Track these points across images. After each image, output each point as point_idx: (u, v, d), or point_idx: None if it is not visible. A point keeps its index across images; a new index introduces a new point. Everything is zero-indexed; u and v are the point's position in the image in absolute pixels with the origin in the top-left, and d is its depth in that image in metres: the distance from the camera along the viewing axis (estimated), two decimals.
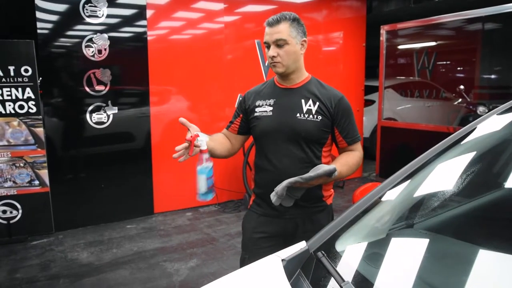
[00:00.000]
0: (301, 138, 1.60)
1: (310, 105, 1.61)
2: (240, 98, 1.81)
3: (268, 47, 1.60)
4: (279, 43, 1.57)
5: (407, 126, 5.27)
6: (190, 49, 4.40)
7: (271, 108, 1.64)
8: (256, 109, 1.67)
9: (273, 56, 1.58)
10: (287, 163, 1.60)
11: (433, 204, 1.19)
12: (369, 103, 6.29)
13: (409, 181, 1.22)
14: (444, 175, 1.26)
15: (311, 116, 1.60)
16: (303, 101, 1.62)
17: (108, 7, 3.83)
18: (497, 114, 1.35)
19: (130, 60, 4.14)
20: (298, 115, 1.60)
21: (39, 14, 3.61)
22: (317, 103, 1.61)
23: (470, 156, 1.30)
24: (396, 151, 5.38)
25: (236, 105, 1.71)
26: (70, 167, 3.97)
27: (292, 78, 1.66)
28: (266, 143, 1.65)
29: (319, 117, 1.60)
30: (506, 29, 4.95)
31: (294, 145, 1.61)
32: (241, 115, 1.74)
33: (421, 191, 1.24)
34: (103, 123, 3.95)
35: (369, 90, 6.26)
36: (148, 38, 4.12)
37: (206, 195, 1.47)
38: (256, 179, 1.72)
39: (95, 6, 3.77)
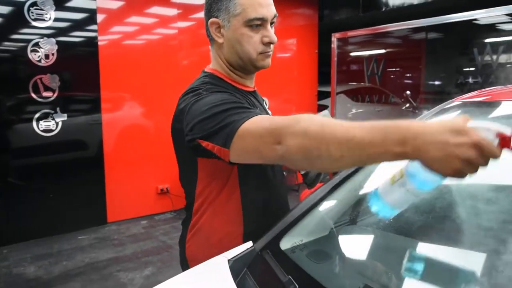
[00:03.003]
0: None
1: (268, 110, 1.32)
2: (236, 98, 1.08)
3: (259, 25, 1.08)
4: (273, 21, 1.12)
5: None
6: (144, 55, 4.34)
7: None
8: None
9: (272, 42, 1.11)
10: (279, 183, 1.27)
11: None
12: (322, 108, 6.47)
13: (352, 179, 1.28)
14: (386, 173, 1.33)
15: None
16: (266, 106, 1.31)
17: (55, 10, 3.70)
18: (435, 114, 1.45)
19: (80, 66, 4.01)
20: None
21: None
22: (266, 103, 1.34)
23: None
24: None
25: (231, 100, 1.00)
26: (15, 177, 3.77)
27: (254, 75, 1.23)
28: (267, 170, 1.21)
29: None
30: (447, 39, 5.27)
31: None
32: None
33: (363, 189, 1.31)
34: (51, 130, 3.79)
35: (323, 95, 6.44)
36: (99, 43, 4.02)
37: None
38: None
39: (42, 9, 3.63)
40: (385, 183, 0.75)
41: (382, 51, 5.95)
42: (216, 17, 1.09)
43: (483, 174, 1.13)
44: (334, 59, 5.12)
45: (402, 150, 0.65)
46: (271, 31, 1.10)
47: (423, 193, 0.71)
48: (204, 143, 0.94)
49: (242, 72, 1.17)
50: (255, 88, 1.25)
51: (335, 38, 5.08)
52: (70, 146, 4.00)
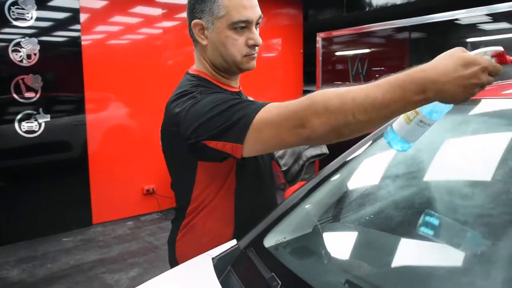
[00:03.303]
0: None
1: None
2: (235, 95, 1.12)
3: (243, 28, 1.06)
4: (259, 22, 1.10)
5: None
6: (128, 55, 4.30)
7: None
8: None
9: (257, 45, 1.09)
10: (270, 182, 1.29)
11: (358, 198, 1.27)
12: None
13: (335, 177, 1.30)
14: (368, 171, 1.35)
15: None
16: None
17: (37, 9, 3.65)
18: None
19: (64, 66, 3.96)
20: None
21: None
22: None
23: (391, 152, 1.41)
24: (335, 151, 5.59)
25: (231, 97, 0.99)
26: None
27: (238, 76, 1.22)
28: (258, 162, 1.21)
29: None
30: (430, 38, 5.35)
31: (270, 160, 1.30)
32: None
33: (346, 187, 1.32)
34: (34, 132, 3.74)
35: None
36: (83, 42, 3.98)
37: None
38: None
39: (23, 9, 3.58)
40: (399, 122, 0.85)
41: (367, 50, 6.00)
42: (200, 18, 1.08)
43: (461, 171, 1.16)
44: (319, 58, 5.16)
45: (424, 96, 0.73)
46: (256, 33, 1.08)
47: (435, 122, 0.82)
48: (212, 143, 0.93)
49: (226, 73, 1.15)
50: (240, 88, 1.24)
51: (319, 37, 5.11)
52: (53, 147, 3.95)
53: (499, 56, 0.75)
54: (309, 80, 6.28)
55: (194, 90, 1.04)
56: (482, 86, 0.73)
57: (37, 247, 3.63)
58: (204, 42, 1.10)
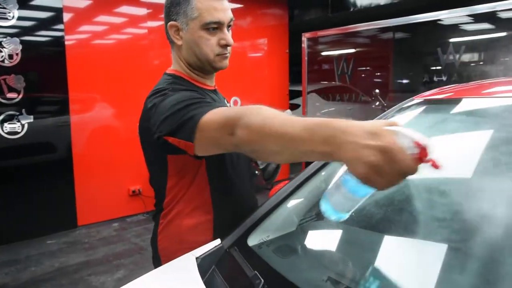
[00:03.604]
0: None
1: None
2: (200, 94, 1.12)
3: (215, 29, 1.13)
4: (230, 24, 1.17)
5: None
6: (113, 55, 4.27)
7: None
8: None
9: (229, 45, 1.16)
10: (247, 180, 1.31)
11: None
12: (294, 107, 6.54)
13: (319, 175, 1.31)
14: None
15: None
16: (228, 105, 1.34)
17: (19, 9, 3.59)
18: (396, 112, 1.50)
19: (47, 66, 3.91)
20: None
21: None
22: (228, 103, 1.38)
23: None
24: None
25: (195, 96, 1.04)
26: None
27: (214, 75, 1.27)
28: (233, 158, 1.23)
29: None
30: (413, 38, 5.43)
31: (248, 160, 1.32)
32: None
33: (330, 185, 1.34)
34: (16, 133, 3.68)
35: (295, 94, 6.51)
36: (66, 42, 3.93)
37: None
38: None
39: (4, 8, 3.52)
40: (331, 188, 0.70)
41: (352, 50, 6.06)
42: (175, 20, 1.15)
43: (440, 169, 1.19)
44: (305, 58, 5.20)
45: (326, 149, 0.63)
46: (227, 34, 1.15)
47: (362, 199, 0.65)
48: (171, 139, 0.97)
49: (201, 72, 1.21)
50: (216, 87, 1.29)
51: (305, 38, 5.14)
52: (37, 148, 3.90)
53: (420, 149, 0.56)
54: (295, 80, 6.31)
55: (168, 87, 1.10)
56: (379, 172, 0.56)
57: (20, 251, 3.58)
58: (179, 42, 1.17)
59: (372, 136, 0.58)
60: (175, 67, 1.23)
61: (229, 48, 1.17)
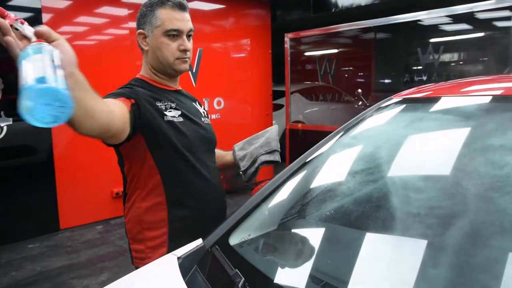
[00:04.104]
0: (215, 146, 1.48)
1: (201, 108, 1.49)
2: (127, 89, 1.28)
3: (175, 36, 1.30)
4: (190, 34, 1.33)
5: (314, 128, 5.59)
6: (94, 56, 4.22)
7: (179, 113, 1.32)
8: (166, 112, 1.28)
9: (187, 50, 1.32)
10: (215, 175, 1.42)
11: (320, 195, 1.31)
12: (278, 107, 6.57)
13: (299, 174, 1.33)
14: (330, 168, 1.39)
15: (207, 119, 1.48)
16: (195, 104, 1.47)
17: None
18: (375, 111, 1.53)
19: None
20: (203, 119, 1.43)
21: None
22: (200, 104, 1.52)
23: (353, 150, 1.45)
24: (305, 151, 5.68)
25: (120, 92, 1.26)
26: None
27: (177, 79, 1.43)
28: (191, 159, 1.32)
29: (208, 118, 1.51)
30: (394, 39, 5.52)
31: (213, 154, 1.47)
32: (134, 101, 1.21)
33: (311, 184, 1.36)
34: None
35: (279, 94, 6.54)
36: None
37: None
38: (186, 200, 1.33)
39: None
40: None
41: (334, 50, 6.13)
42: (143, 29, 1.33)
43: (418, 166, 1.21)
44: (288, 58, 5.22)
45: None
46: (186, 41, 1.32)
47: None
48: None
49: (164, 74, 1.37)
50: (180, 88, 1.45)
51: (287, 38, 5.17)
52: (17, 151, 3.83)
53: None
54: (278, 80, 6.34)
55: (123, 87, 1.31)
56: None
57: (0, 255, 3.51)
58: (146, 48, 1.34)
59: None
60: (142, 72, 1.40)
61: (188, 53, 1.33)
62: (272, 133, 1.59)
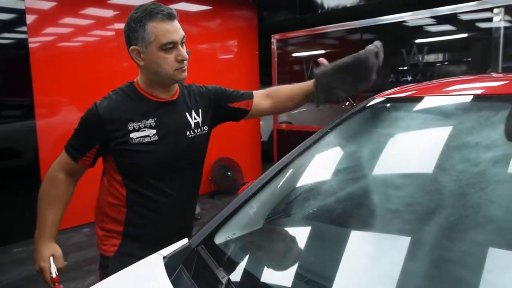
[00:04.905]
0: (197, 159, 1.47)
1: (195, 117, 1.44)
2: (90, 117, 1.34)
3: (171, 48, 1.29)
4: (183, 41, 1.32)
5: (301, 128, 5.63)
6: (80, 57, 4.19)
7: (154, 132, 1.33)
8: (132, 135, 1.31)
9: (185, 59, 1.32)
10: (186, 193, 1.45)
11: (304, 194, 1.32)
12: None
13: (284, 173, 1.34)
14: (314, 168, 1.41)
15: (199, 129, 1.44)
16: (187, 114, 1.43)
17: None
18: (358, 110, 1.55)
19: (10, 69, 3.80)
20: (188, 133, 1.41)
21: None
22: (199, 110, 1.47)
23: (336, 150, 1.48)
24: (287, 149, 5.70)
25: (82, 126, 1.39)
26: None
27: (174, 87, 1.42)
28: (155, 177, 1.37)
29: (206, 127, 1.48)
30: (380, 39, 5.56)
31: (191, 169, 1.45)
32: (97, 145, 1.34)
33: (296, 183, 1.37)
34: None
35: None
36: (30, 45, 3.83)
37: None
38: (140, 218, 1.40)
39: None
40: None
41: (321, 51, 6.16)
42: (135, 45, 1.31)
43: (400, 165, 1.24)
44: (275, 60, 5.25)
45: None
46: (182, 50, 1.31)
47: None
48: None
49: (161, 86, 1.38)
50: (174, 98, 1.43)
51: (274, 39, 5.20)
52: (2, 154, 3.79)
53: None
54: (265, 81, 6.36)
55: (110, 94, 1.39)
56: None
57: None
58: (142, 63, 1.34)
59: None
60: (138, 79, 1.40)
61: (185, 62, 1.33)
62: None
